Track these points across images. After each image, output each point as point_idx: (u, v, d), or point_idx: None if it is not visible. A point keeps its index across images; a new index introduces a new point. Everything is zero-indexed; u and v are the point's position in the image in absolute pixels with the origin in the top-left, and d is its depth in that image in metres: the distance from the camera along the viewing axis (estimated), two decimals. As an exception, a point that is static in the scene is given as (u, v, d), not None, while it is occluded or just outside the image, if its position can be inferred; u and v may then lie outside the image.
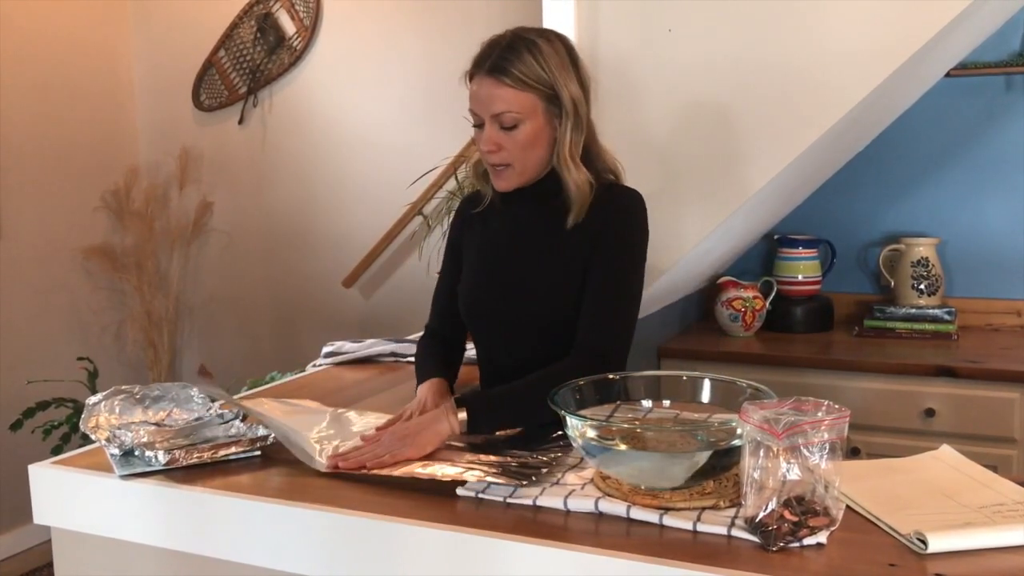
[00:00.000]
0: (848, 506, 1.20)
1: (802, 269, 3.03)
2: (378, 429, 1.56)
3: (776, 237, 3.10)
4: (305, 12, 3.74)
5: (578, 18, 2.40)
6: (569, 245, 1.70)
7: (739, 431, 1.18)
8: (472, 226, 1.86)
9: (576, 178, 1.67)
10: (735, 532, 1.14)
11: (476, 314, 1.83)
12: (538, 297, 1.72)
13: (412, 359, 2.00)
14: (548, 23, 2.39)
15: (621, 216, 1.70)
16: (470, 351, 1.96)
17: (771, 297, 2.99)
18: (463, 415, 1.50)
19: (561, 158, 1.68)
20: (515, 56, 1.64)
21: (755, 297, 2.94)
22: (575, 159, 1.68)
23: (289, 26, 3.78)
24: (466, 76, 1.71)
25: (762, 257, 3.23)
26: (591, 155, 1.73)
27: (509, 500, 1.27)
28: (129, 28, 4.12)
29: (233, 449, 1.47)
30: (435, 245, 3.01)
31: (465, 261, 1.86)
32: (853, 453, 2.48)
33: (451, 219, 1.96)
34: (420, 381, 1.79)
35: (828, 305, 3.04)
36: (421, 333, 1.97)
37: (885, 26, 2.16)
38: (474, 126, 1.71)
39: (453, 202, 2.86)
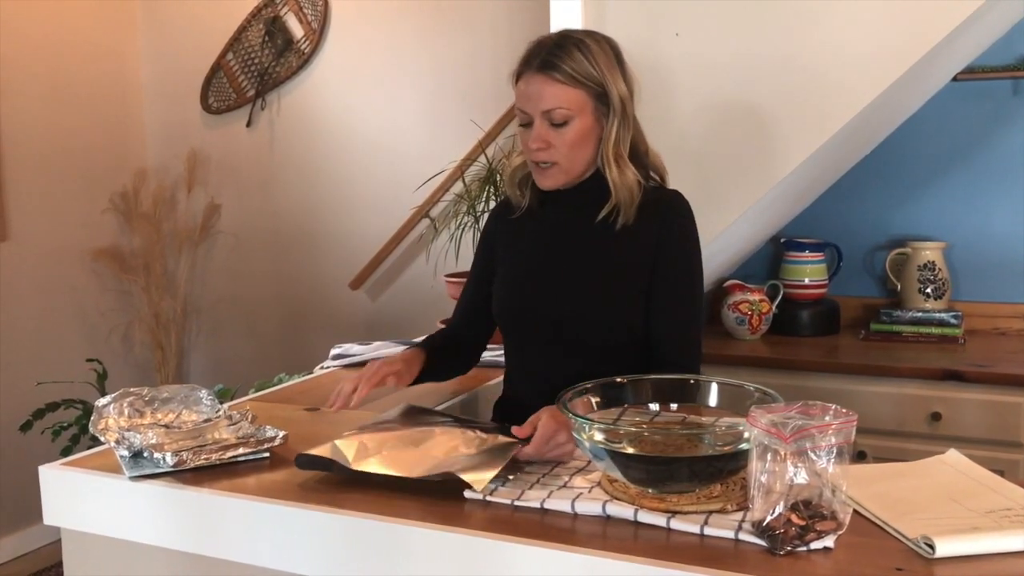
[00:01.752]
0: (855, 510, 1.20)
1: (809, 272, 3.03)
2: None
3: (782, 240, 3.10)
4: (313, 15, 3.75)
5: (585, 21, 2.41)
6: (618, 247, 1.70)
7: (746, 435, 1.18)
8: (507, 232, 1.85)
9: (622, 177, 1.68)
10: (742, 536, 1.14)
11: (515, 321, 1.81)
12: (584, 301, 1.71)
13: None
14: (555, 25, 2.40)
15: (684, 226, 1.72)
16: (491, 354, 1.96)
17: (777, 300, 2.99)
18: None
19: (606, 156, 1.68)
20: (565, 53, 1.65)
21: (761, 300, 2.94)
22: (622, 158, 1.69)
23: (297, 29, 3.79)
24: (512, 76, 1.71)
25: (768, 260, 3.22)
26: (639, 154, 1.74)
27: (516, 503, 1.27)
28: (138, 31, 4.14)
29: (241, 450, 1.48)
30: (442, 248, 3.02)
31: (501, 267, 1.85)
32: (859, 457, 2.48)
33: (485, 222, 1.96)
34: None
35: (834, 309, 3.03)
36: (428, 335, 1.98)
37: (895, 28, 2.16)
38: (521, 125, 1.71)
39: (460, 205, 2.87)
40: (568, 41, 1.67)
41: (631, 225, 1.69)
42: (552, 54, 1.65)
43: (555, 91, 1.64)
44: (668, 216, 1.71)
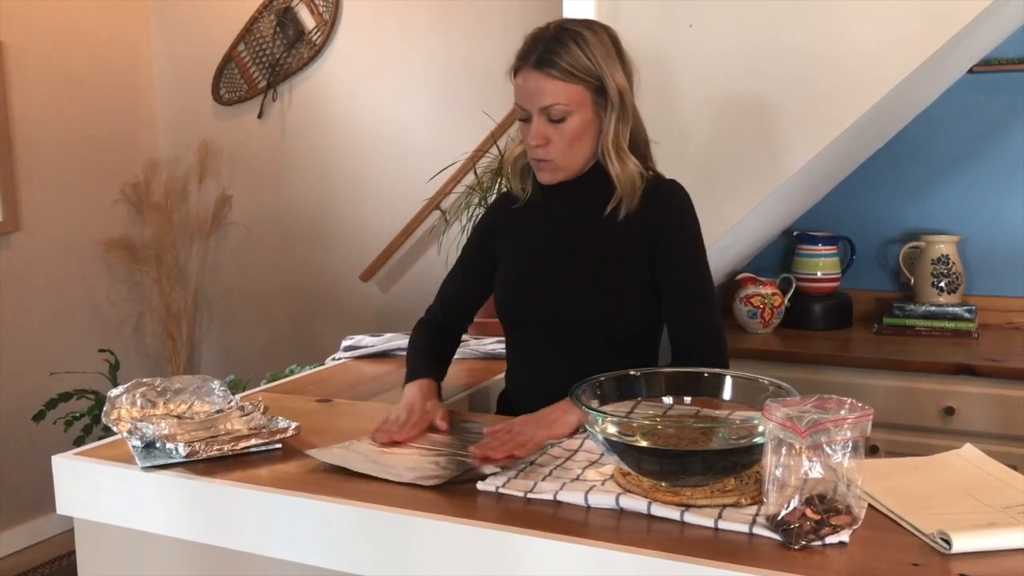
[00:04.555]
0: (870, 505, 1.19)
1: (821, 266, 3.02)
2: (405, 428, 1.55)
3: (795, 233, 3.09)
4: (325, 6, 3.74)
5: (598, 14, 2.39)
6: (622, 238, 1.69)
7: (761, 428, 1.17)
8: (509, 225, 1.83)
9: (623, 169, 1.67)
10: (757, 530, 1.13)
11: (519, 316, 1.80)
12: (585, 294, 1.70)
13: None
14: (568, 14, 2.38)
15: (684, 214, 1.71)
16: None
17: (790, 294, 2.98)
18: None
19: (606, 149, 1.67)
20: (561, 48, 1.63)
21: (774, 294, 2.93)
22: (621, 150, 1.68)
23: (309, 20, 3.79)
24: (510, 72, 1.70)
25: (781, 254, 3.21)
26: (639, 144, 1.73)
27: (529, 495, 1.27)
28: (149, 22, 4.14)
29: (253, 441, 1.48)
30: (453, 240, 3.01)
31: (503, 262, 1.83)
32: (872, 451, 2.47)
33: (483, 213, 1.94)
34: (409, 377, 1.76)
35: (847, 302, 3.02)
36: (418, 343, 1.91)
37: (911, 20, 2.15)
38: (520, 120, 1.70)
39: (472, 197, 2.87)
40: (565, 35, 1.65)
41: (633, 214, 1.68)
42: (549, 50, 1.64)
43: (553, 88, 1.63)
44: (664, 206, 1.70)
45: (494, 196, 2.64)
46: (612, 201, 1.69)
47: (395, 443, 1.51)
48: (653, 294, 1.71)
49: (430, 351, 1.85)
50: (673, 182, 1.75)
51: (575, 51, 1.63)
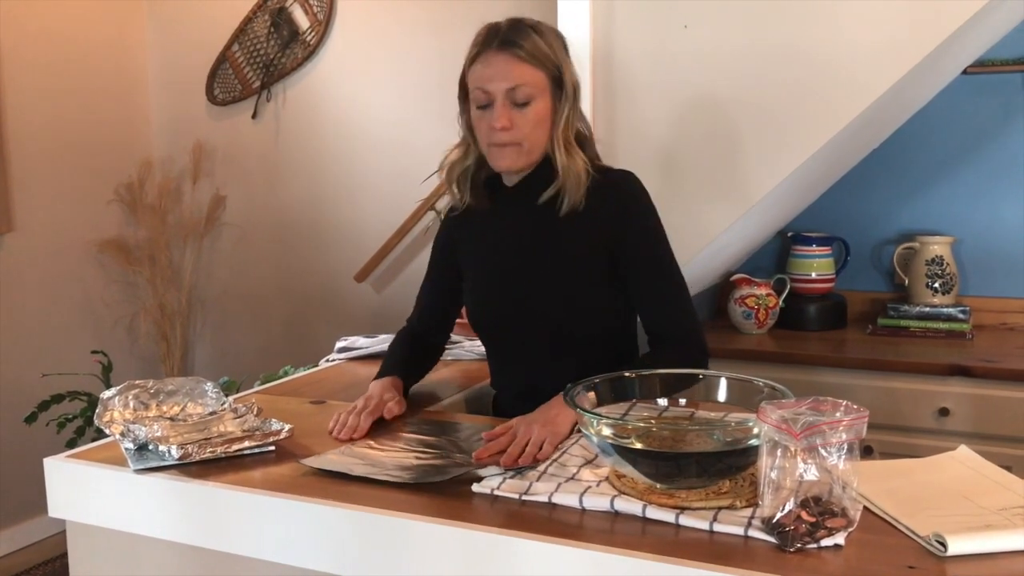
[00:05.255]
0: (866, 507, 1.19)
1: (816, 267, 3.02)
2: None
3: (790, 234, 3.09)
4: (319, 7, 3.74)
5: (593, 16, 2.40)
6: (578, 234, 1.68)
7: (756, 430, 1.17)
8: (466, 235, 1.83)
9: (571, 161, 1.66)
10: (752, 532, 1.13)
11: (490, 325, 1.81)
12: (553, 293, 1.70)
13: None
14: (563, 20, 2.39)
15: (640, 202, 1.70)
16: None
17: (784, 295, 2.98)
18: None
19: (558, 141, 1.67)
20: (523, 35, 1.64)
21: (768, 295, 2.93)
22: (571, 142, 1.68)
23: (303, 21, 3.78)
24: (467, 60, 1.69)
25: (775, 254, 3.21)
26: (583, 140, 1.73)
27: (524, 497, 1.27)
28: (143, 22, 4.13)
29: (247, 443, 1.47)
30: (448, 240, 3.01)
31: (468, 273, 1.83)
32: (866, 452, 2.46)
33: (438, 229, 1.94)
34: (377, 376, 1.79)
35: (842, 303, 3.02)
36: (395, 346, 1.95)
37: (906, 21, 2.15)
38: (478, 108, 1.68)
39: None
40: (522, 24, 1.67)
41: (583, 210, 1.67)
42: (511, 35, 1.64)
43: (520, 69, 1.63)
44: (619, 197, 1.69)
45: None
46: (550, 189, 1.67)
47: (351, 439, 1.54)
48: (619, 287, 1.70)
49: (403, 356, 1.88)
50: (625, 172, 1.74)
51: (536, 39, 1.65)
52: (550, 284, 1.71)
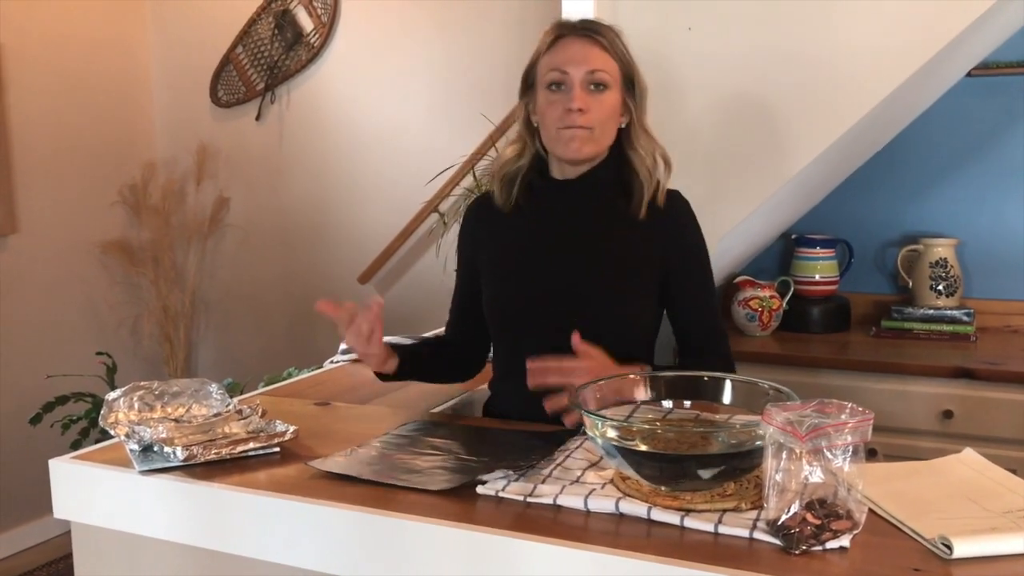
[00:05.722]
0: (871, 509, 1.19)
1: (819, 269, 3.02)
2: None
3: (793, 237, 3.08)
4: (323, 8, 3.74)
5: (597, 14, 2.39)
6: (632, 238, 1.69)
7: (761, 433, 1.17)
8: (490, 231, 1.80)
9: (652, 162, 1.68)
10: (757, 535, 1.13)
11: (510, 321, 1.76)
12: (593, 297, 1.68)
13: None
14: (567, 17, 2.38)
15: (693, 219, 1.75)
16: None
17: (788, 297, 2.98)
18: None
19: (636, 136, 1.69)
20: (602, 27, 1.67)
21: (772, 297, 2.93)
22: (649, 135, 1.71)
23: (307, 22, 3.79)
24: (542, 47, 1.69)
25: (779, 256, 3.21)
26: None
27: (529, 499, 1.26)
28: (147, 24, 4.13)
29: (252, 445, 1.47)
30: (452, 242, 3.00)
31: (488, 268, 1.79)
32: (870, 455, 2.46)
33: (460, 228, 1.89)
34: None
35: (845, 305, 3.02)
36: (437, 330, 1.97)
37: (909, 23, 2.15)
38: (552, 91, 1.65)
39: (470, 199, 2.86)
40: (598, 23, 1.69)
41: (643, 218, 1.67)
42: (591, 24, 1.67)
43: (600, 55, 1.64)
44: (680, 212, 1.73)
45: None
46: (644, 192, 1.68)
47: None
48: (657, 299, 1.72)
49: (412, 344, 1.86)
50: (676, 191, 1.76)
51: (613, 34, 1.67)
52: (598, 284, 1.69)
